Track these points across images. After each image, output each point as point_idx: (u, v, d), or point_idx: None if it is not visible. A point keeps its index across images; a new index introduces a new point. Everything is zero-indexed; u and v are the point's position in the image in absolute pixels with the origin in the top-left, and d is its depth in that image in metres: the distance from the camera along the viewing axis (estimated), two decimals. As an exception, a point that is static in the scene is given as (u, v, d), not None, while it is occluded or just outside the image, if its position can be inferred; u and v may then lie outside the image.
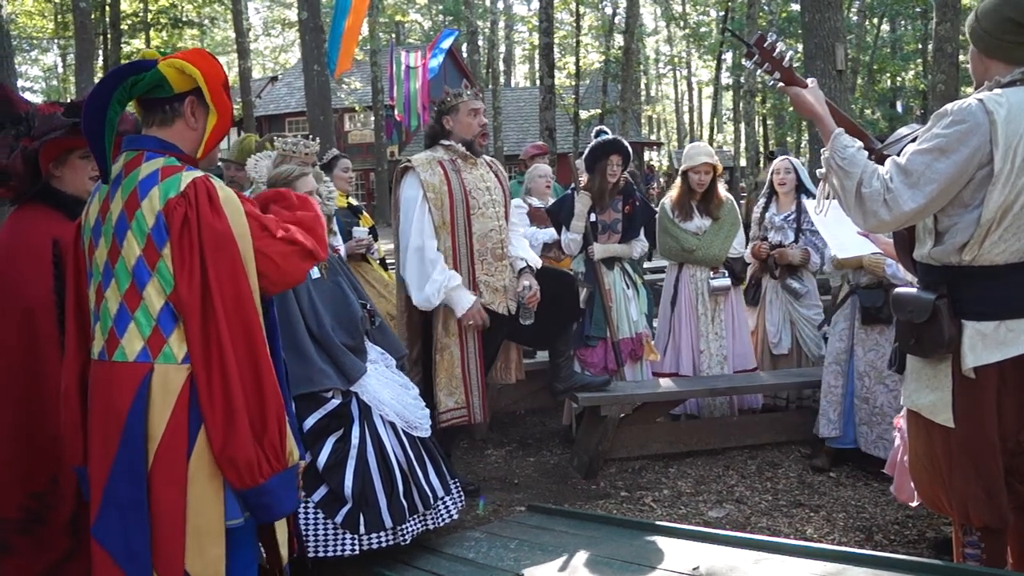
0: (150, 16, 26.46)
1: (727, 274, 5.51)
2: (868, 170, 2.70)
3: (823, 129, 2.87)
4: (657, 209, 5.68)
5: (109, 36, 22.93)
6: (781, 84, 2.98)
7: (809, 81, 2.98)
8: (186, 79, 2.36)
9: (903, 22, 32.82)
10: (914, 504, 3.48)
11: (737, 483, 4.78)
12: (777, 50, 2.93)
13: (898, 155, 2.71)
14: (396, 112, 24.00)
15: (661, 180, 12.83)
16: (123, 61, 21.62)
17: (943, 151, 2.57)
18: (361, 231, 5.47)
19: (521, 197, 6.46)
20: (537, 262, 4.63)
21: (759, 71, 2.98)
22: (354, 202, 5.94)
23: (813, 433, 5.05)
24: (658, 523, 3.81)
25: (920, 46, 29.24)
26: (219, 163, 6.60)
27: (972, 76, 2.82)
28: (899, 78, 31.03)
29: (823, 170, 2.88)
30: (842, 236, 4.51)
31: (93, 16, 19.28)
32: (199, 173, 2.33)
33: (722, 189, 5.65)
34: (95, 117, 2.26)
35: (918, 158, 2.61)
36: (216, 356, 2.23)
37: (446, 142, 4.44)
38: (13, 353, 2.91)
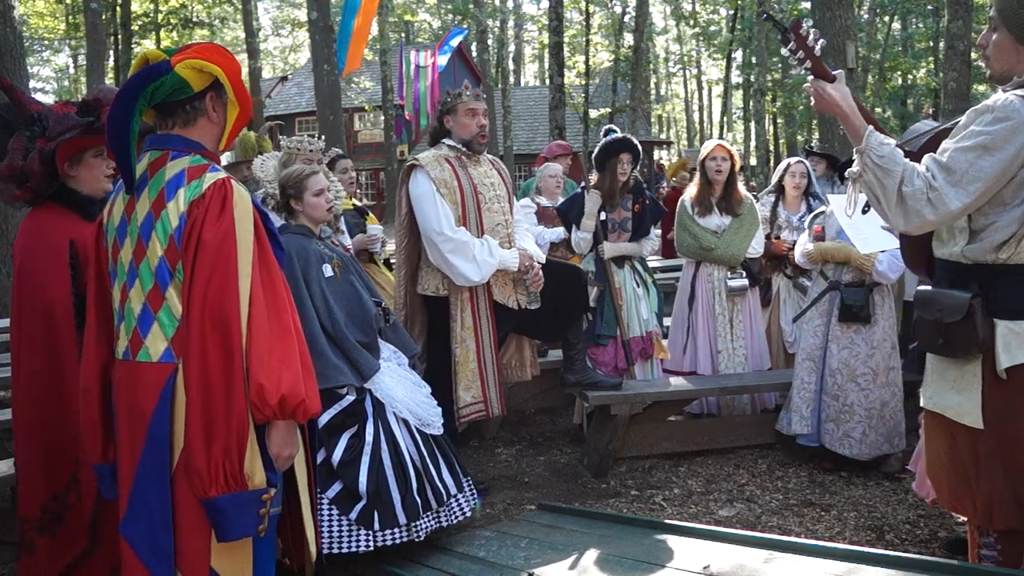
0: (160, 17, 26.59)
1: (744, 274, 5.49)
2: (908, 169, 2.59)
3: (850, 127, 2.72)
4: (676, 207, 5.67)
5: (120, 37, 23.04)
6: (810, 76, 2.86)
7: (836, 74, 2.87)
8: (205, 77, 2.35)
9: (914, 20, 32.68)
10: (930, 500, 3.47)
11: (748, 482, 4.78)
12: (811, 38, 2.83)
13: (926, 151, 2.62)
14: (406, 111, 24.05)
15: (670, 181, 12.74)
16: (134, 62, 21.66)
17: (987, 148, 2.49)
18: (376, 228, 5.48)
19: (531, 196, 6.46)
20: (541, 257, 4.67)
21: (792, 59, 2.87)
22: (357, 203, 5.94)
23: (776, 430, 5.09)
24: (668, 522, 3.81)
25: (931, 44, 29.13)
26: (225, 165, 6.61)
27: (993, 63, 2.69)
28: (910, 76, 30.91)
29: (855, 169, 2.73)
30: (866, 232, 4.50)
31: (104, 17, 19.37)
32: (222, 174, 2.33)
33: (742, 187, 5.63)
34: (120, 133, 2.26)
35: (961, 156, 2.52)
36: (190, 355, 2.22)
37: (448, 141, 4.50)
38: (36, 353, 2.93)
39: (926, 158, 2.60)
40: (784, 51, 2.84)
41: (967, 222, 2.64)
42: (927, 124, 2.98)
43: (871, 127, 2.68)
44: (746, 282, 5.47)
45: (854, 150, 2.73)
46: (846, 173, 2.81)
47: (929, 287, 2.83)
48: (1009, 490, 2.65)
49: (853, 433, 4.69)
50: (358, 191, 6.23)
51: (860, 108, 2.79)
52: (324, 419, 3.51)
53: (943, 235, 2.76)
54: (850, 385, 4.71)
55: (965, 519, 3.12)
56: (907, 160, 2.62)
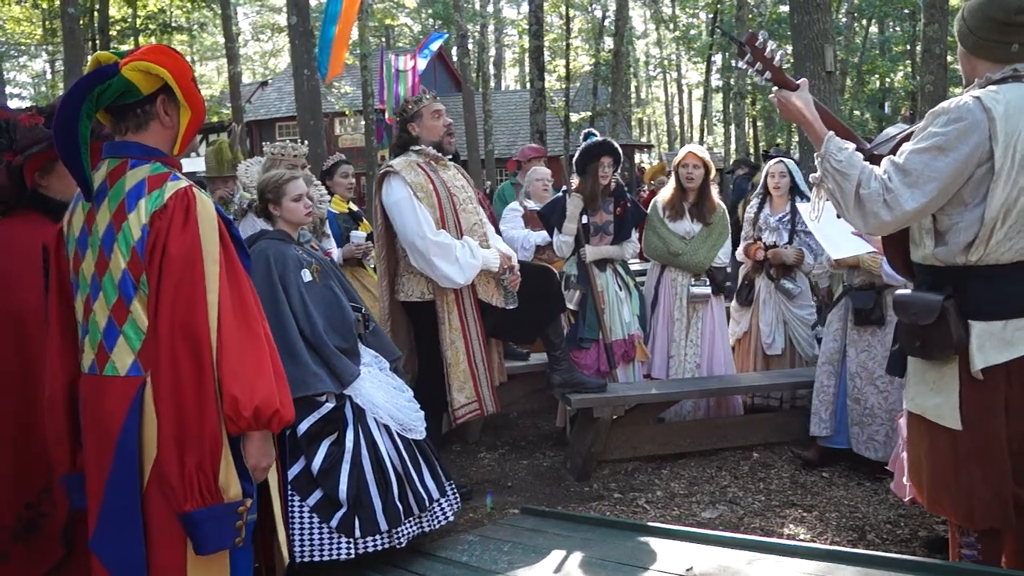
0: (139, 22, 26.37)
1: (708, 282, 5.51)
2: (866, 171, 2.65)
3: (812, 133, 2.82)
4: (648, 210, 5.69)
5: (98, 42, 22.82)
6: (773, 85, 2.93)
7: (800, 83, 2.94)
8: (153, 79, 2.31)
9: (891, 23, 32.93)
10: (907, 499, 3.49)
11: (730, 484, 4.79)
12: (768, 49, 2.89)
13: (893, 155, 2.68)
14: (387, 115, 23.98)
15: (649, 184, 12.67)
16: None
17: (942, 149, 2.54)
18: (359, 235, 5.50)
19: (519, 200, 6.46)
20: (513, 254, 4.71)
21: (751, 71, 2.93)
22: (355, 208, 5.98)
23: (808, 433, 5.06)
24: (651, 524, 3.81)
25: (908, 47, 29.33)
26: (203, 176, 6.63)
27: (962, 74, 2.80)
28: (888, 79, 31.12)
29: (817, 175, 2.83)
30: (836, 238, 4.52)
31: (81, 22, 19.21)
32: (184, 183, 2.29)
33: (715, 195, 5.65)
34: (68, 138, 2.21)
35: (916, 157, 2.58)
36: (160, 369, 2.20)
37: (416, 147, 4.51)
38: (8, 359, 2.89)
39: (884, 161, 2.66)
40: (741, 64, 2.90)
41: (932, 223, 2.69)
42: (898, 128, 3.02)
43: (831, 133, 2.77)
44: (708, 290, 5.49)
45: (815, 156, 2.79)
46: (810, 178, 2.86)
47: (907, 291, 2.86)
48: (988, 490, 2.68)
49: (877, 436, 4.67)
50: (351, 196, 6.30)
51: (825, 113, 2.87)
52: (303, 427, 3.49)
53: (916, 238, 2.79)
54: (869, 388, 4.71)
55: (946, 519, 3.14)
56: (865, 163, 2.68)
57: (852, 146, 2.75)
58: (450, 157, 4.66)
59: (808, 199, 5.55)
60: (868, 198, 2.63)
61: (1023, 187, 2.53)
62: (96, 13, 23.02)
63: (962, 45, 2.74)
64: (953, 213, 2.64)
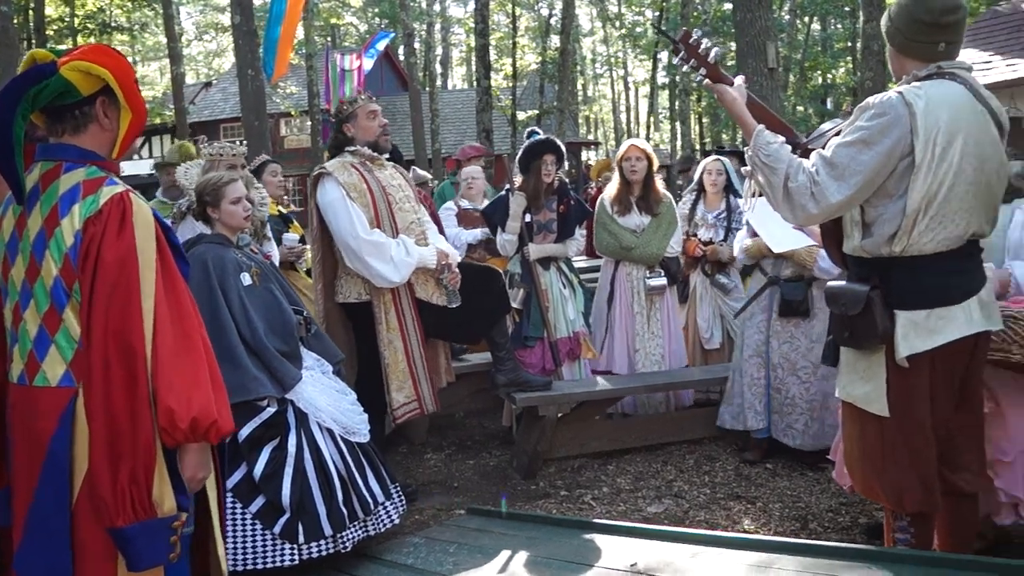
0: (77, 21, 25.81)
1: (663, 273, 5.54)
2: (793, 165, 2.75)
3: (744, 128, 2.92)
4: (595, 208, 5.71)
5: (34, 42, 22.27)
6: (707, 81, 3.01)
7: (737, 79, 3.02)
8: (93, 80, 2.22)
9: (833, 21, 33.56)
10: (847, 487, 3.55)
11: (675, 478, 4.83)
12: (702, 46, 2.96)
13: (823, 148, 2.76)
14: (332, 115, 23.81)
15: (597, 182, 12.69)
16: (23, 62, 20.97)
17: (866, 143, 2.64)
18: (291, 237, 5.44)
19: (455, 200, 6.46)
20: (454, 252, 4.70)
21: (686, 67, 3.01)
22: (283, 210, 5.90)
23: (718, 426, 5.14)
24: (596, 521, 3.83)
25: (850, 44, 29.90)
26: (154, 170, 6.52)
27: (892, 73, 2.89)
28: (830, 75, 31.71)
29: (748, 167, 2.92)
30: (775, 231, 4.58)
31: (16, 21, 18.73)
32: (119, 188, 2.22)
33: (660, 185, 5.68)
34: (3, 140, 2.12)
35: (843, 150, 2.67)
36: (92, 379, 2.13)
37: (351, 148, 4.51)
38: None
39: (813, 154, 2.77)
40: (675, 60, 2.98)
41: (860, 215, 2.77)
42: (833, 123, 3.10)
43: (760, 127, 2.88)
44: (665, 281, 5.51)
45: (745, 150, 2.89)
46: (742, 171, 2.96)
47: (839, 282, 2.94)
48: (915, 475, 2.78)
49: (796, 424, 4.74)
50: (285, 197, 6.23)
51: (759, 108, 2.97)
52: (244, 432, 3.44)
53: (847, 229, 2.87)
54: (791, 379, 4.76)
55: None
56: (793, 157, 2.78)
57: (781, 139, 2.83)
58: (388, 156, 4.65)
59: (741, 196, 5.65)
60: (796, 191, 2.73)
61: (943, 180, 2.62)
62: (31, 12, 22.46)
63: (891, 44, 2.84)
64: (879, 205, 2.73)
